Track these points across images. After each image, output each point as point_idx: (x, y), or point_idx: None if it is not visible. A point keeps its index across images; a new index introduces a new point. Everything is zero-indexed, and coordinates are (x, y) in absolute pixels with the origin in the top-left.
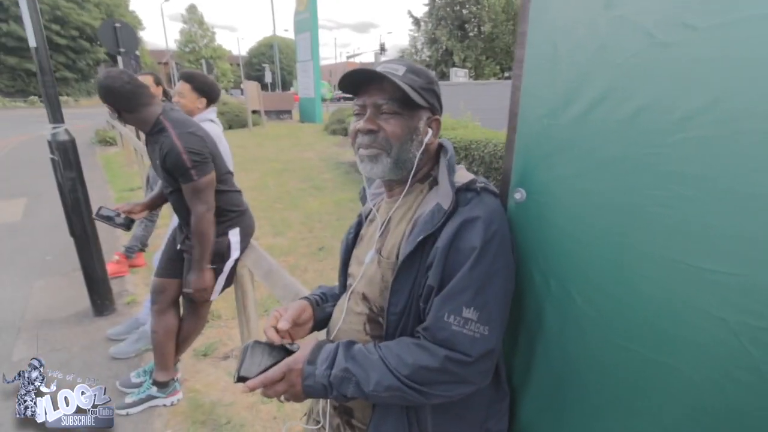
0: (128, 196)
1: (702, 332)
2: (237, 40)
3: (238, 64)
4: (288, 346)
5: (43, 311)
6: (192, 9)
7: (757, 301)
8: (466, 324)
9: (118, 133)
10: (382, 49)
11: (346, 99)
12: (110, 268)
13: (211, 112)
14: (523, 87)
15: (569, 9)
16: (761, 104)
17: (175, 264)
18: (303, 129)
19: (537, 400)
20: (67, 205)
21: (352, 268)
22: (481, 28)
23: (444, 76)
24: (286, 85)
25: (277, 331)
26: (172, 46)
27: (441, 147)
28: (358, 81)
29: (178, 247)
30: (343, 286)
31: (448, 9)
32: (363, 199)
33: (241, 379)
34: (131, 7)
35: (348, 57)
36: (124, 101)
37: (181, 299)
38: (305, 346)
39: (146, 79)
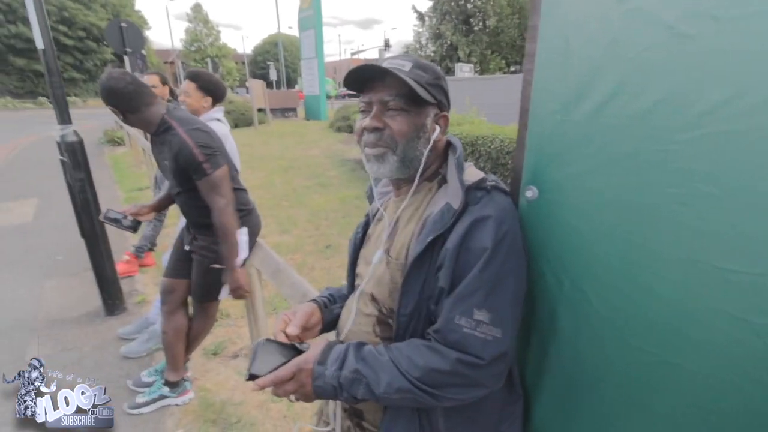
0: (137, 196)
1: (721, 333)
2: (242, 38)
3: (243, 63)
4: (298, 346)
5: (55, 311)
6: (197, 8)
7: None
8: (477, 326)
9: (125, 133)
10: (387, 45)
11: (351, 96)
12: (120, 267)
13: (218, 111)
14: (534, 82)
15: (582, 2)
16: None
17: (183, 265)
18: (308, 126)
19: (550, 403)
20: (77, 206)
21: (360, 268)
22: (486, 22)
23: (449, 71)
24: (290, 83)
25: (287, 335)
26: (178, 45)
27: (449, 144)
28: (363, 78)
29: (186, 248)
30: (352, 286)
31: (452, 3)
32: (370, 197)
33: (252, 377)
34: (137, 7)
35: (352, 53)
36: (128, 102)
37: (189, 299)
38: (315, 346)
39: (152, 79)
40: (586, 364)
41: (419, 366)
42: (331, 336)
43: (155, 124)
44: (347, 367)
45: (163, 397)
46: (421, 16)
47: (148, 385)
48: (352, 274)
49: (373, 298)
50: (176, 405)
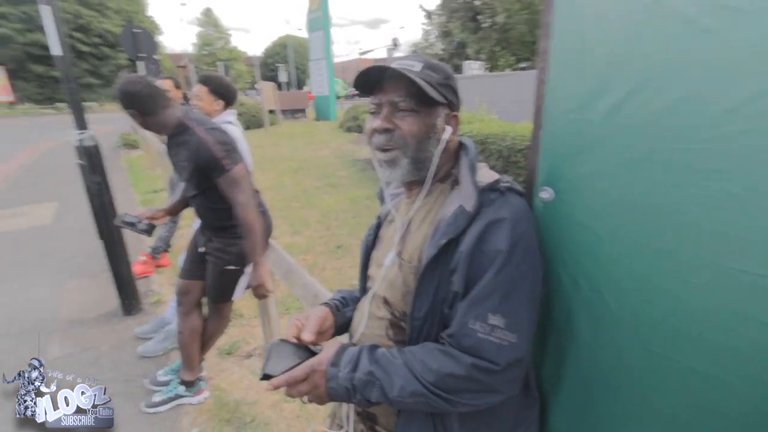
0: (152, 198)
1: (746, 339)
2: (251, 41)
3: (253, 65)
4: (312, 348)
5: (75, 311)
6: (208, 12)
7: None
8: (492, 331)
9: (140, 136)
10: (395, 44)
11: (360, 96)
12: (137, 268)
13: (230, 114)
14: (548, 80)
15: None
16: None
17: (198, 266)
18: (318, 127)
19: (567, 407)
20: (94, 208)
21: (371, 270)
22: (495, 18)
23: (458, 69)
24: (300, 84)
25: (303, 341)
26: (190, 49)
27: (461, 145)
28: (373, 79)
29: (200, 249)
30: (364, 289)
31: (460, 1)
32: (381, 199)
33: (266, 376)
34: (149, 13)
35: (360, 53)
36: (145, 105)
37: (204, 300)
38: (329, 347)
39: (166, 83)
40: (604, 368)
41: (433, 370)
42: (343, 339)
43: (171, 126)
44: (361, 369)
45: (178, 396)
46: (429, 15)
47: (165, 384)
48: (364, 276)
49: (386, 301)
50: (191, 404)
